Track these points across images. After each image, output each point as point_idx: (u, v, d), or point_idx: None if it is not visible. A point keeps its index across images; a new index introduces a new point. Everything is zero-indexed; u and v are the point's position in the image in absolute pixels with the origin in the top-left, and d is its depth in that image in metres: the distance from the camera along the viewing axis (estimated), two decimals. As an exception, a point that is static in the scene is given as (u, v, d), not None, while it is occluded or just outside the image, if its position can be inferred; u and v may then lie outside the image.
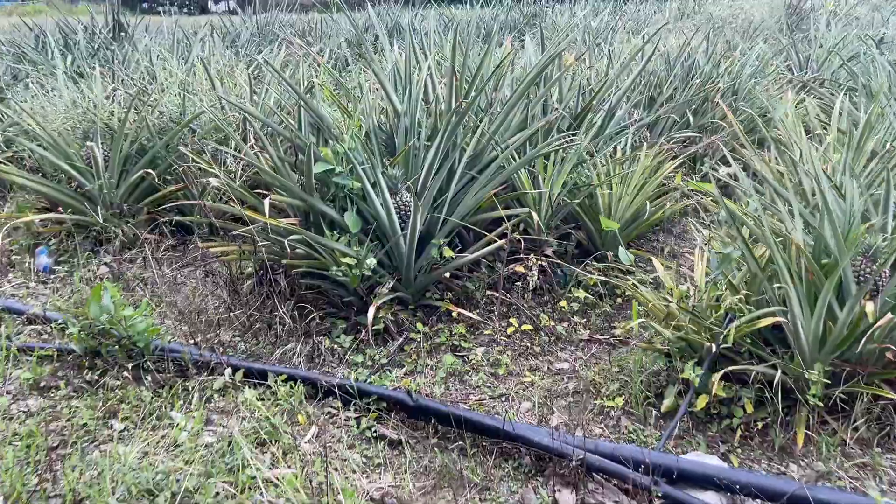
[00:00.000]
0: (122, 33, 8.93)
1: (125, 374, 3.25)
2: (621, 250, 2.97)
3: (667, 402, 2.93)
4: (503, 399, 3.20)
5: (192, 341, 3.52)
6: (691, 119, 5.47)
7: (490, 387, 3.28)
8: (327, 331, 3.68)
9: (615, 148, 4.76)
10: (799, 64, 8.39)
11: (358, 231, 3.65)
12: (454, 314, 3.69)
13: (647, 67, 5.53)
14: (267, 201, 3.41)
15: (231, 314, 3.80)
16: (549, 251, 4.24)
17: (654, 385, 3.09)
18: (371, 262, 3.49)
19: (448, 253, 3.77)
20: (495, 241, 3.80)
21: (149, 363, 3.30)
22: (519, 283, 4.02)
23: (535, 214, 3.72)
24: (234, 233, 3.91)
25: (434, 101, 4.21)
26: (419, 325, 3.65)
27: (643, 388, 3.05)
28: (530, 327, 3.65)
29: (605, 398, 3.12)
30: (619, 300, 4.16)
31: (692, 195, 4.47)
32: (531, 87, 4.07)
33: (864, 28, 11.19)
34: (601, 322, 3.93)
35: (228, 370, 3.22)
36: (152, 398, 3.11)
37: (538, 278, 4.07)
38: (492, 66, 4.45)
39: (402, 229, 3.65)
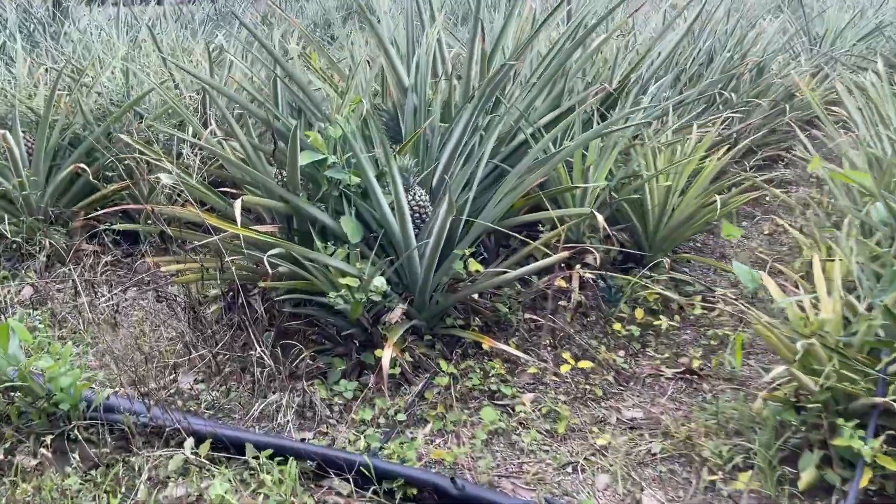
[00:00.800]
0: (61, 14, 7.85)
1: (44, 449, 2.32)
2: (740, 267, 2.14)
3: (806, 477, 2.12)
4: (571, 470, 2.35)
5: (139, 393, 2.60)
6: (733, 97, 4.68)
7: (549, 451, 2.44)
8: (320, 373, 2.79)
9: (655, 131, 3.94)
10: (810, 41, 7.72)
11: (359, 241, 2.77)
12: (485, 346, 2.84)
13: (671, 42, 4.72)
14: (238, 204, 2.50)
15: (192, 352, 2.89)
16: (589, 259, 3.41)
17: (777, 447, 2.28)
18: (380, 283, 2.61)
19: (475, 266, 2.90)
20: (535, 251, 2.95)
21: (78, 431, 2.38)
22: (561, 302, 3.17)
23: (599, 217, 2.87)
24: (192, 245, 3.00)
25: (444, 76, 3.33)
26: (442, 363, 2.78)
27: (765, 452, 2.23)
28: (590, 364, 2.80)
29: (713, 468, 2.29)
30: (677, 317, 3.35)
31: (762, 186, 3.66)
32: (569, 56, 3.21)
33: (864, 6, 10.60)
34: (663, 348, 3.12)
35: (190, 440, 2.32)
36: (80, 488, 2.19)
37: (579, 293, 3.24)
38: (514, 30, 3.58)
39: (417, 238, 2.78)
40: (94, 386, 2.65)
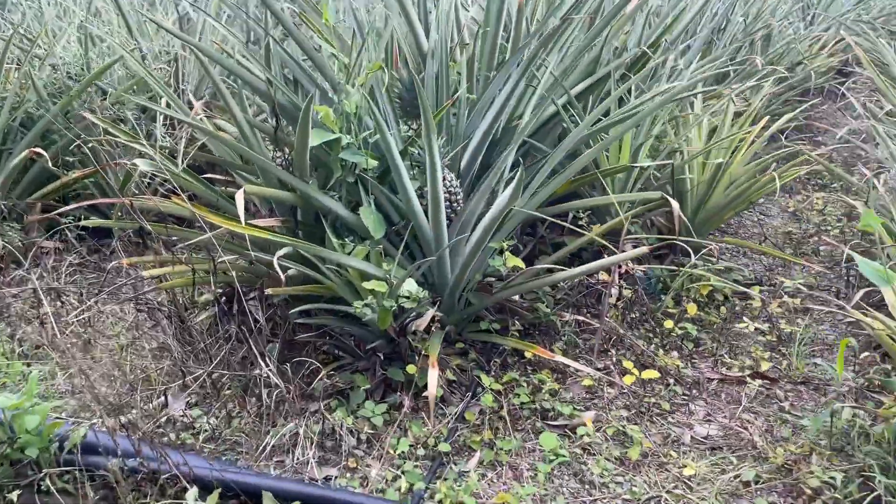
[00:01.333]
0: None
1: (9, 506, 1.86)
2: (866, 263, 1.77)
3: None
4: (654, 508, 1.98)
5: (121, 426, 2.15)
6: (759, 62, 4.30)
7: (624, 484, 2.05)
8: (338, 393, 2.36)
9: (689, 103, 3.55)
10: (804, 6, 7.44)
11: (382, 237, 2.33)
12: (528, 355, 2.44)
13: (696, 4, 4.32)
14: (240, 197, 2.03)
15: (182, 371, 2.43)
16: (628, 248, 3.03)
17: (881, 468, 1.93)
18: (413, 288, 2.19)
19: (513, 262, 2.49)
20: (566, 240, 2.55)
21: (50, 481, 1.92)
22: (610, 297, 2.78)
23: (673, 203, 2.48)
24: (178, 244, 2.53)
25: (461, 44, 2.87)
26: (483, 378, 2.37)
27: (886, 479, 1.87)
28: (655, 374, 2.42)
29: (815, 499, 1.93)
30: (723, 310, 3.00)
31: (814, 158, 3.30)
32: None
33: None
34: (717, 347, 2.75)
35: (193, 490, 1.87)
36: (58, 560, 1.75)
37: (626, 286, 2.86)
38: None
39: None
40: (67, 420, 2.18)
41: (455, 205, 2.44)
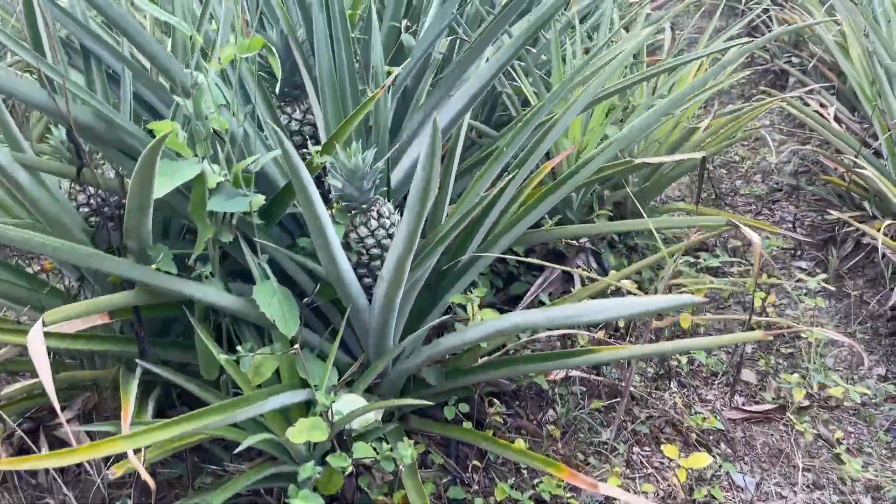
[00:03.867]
0: None
1: None
2: None
3: None
4: None
5: None
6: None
7: None
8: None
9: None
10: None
11: (296, 330, 1.41)
12: (540, 466, 1.66)
13: None
14: (37, 335, 1.02)
15: None
16: (584, 240, 2.32)
17: None
18: (364, 418, 1.31)
19: (486, 315, 1.68)
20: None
21: None
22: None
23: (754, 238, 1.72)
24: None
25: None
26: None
27: None
28: (706, 459, 1.73)
29: None
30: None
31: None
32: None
33: None
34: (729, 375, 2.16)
35: None
36: None
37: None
38: None
39: (369, 294, 1.48)
40: None
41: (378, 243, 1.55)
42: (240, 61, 1.33)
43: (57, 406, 1.04)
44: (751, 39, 3.61)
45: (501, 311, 2.18)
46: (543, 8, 1.53)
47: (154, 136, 1.24)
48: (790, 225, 3.05)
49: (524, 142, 1.60)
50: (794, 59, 4.14)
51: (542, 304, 2.13)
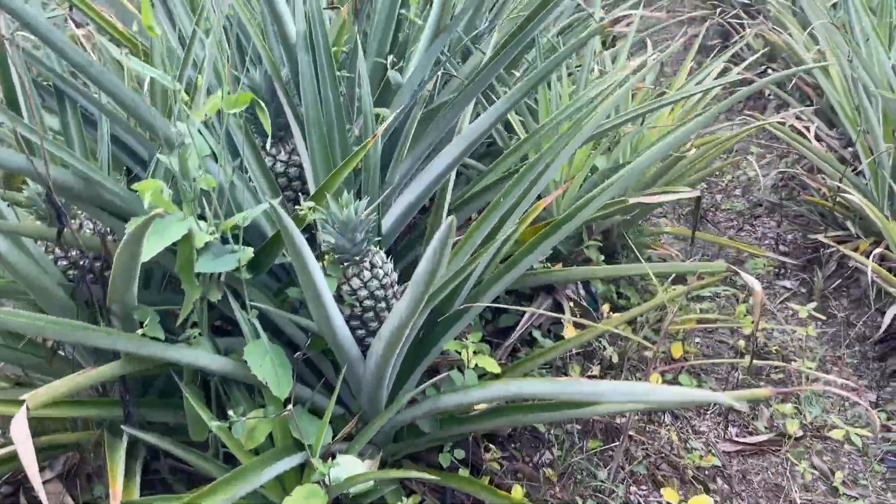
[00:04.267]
0: None
1: None
2: None
3: None
4: None
5: None
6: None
7: None
8: None
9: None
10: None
11: (288, 391, 1.36)
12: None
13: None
14: (21, 423, 0.96)
15: None
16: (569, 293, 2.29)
17: None
18: (362, 485, 1.27)
19: (485, 364, 1.64)
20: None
21: None
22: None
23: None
24: None
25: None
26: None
27: None
28: (708, 501, 1.72)
29: None
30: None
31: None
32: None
33: None
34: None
35: None
36: None
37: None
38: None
39: (362, 345, 1.44)
40: None
41: (392, 299, 1.51)
42: (227, 116, 1.27)
43: (43, 498, 0.97)
44: (734, 60, 3.62)
45: (490, 344, 2.16)
46: (542, 68, 1.50)
47: (138, 196, 1.19)
48: (773, 241, 3.06)
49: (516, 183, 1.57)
50: (770, 72, 4.17)
51: (532, 338, 2.10)
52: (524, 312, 2.20)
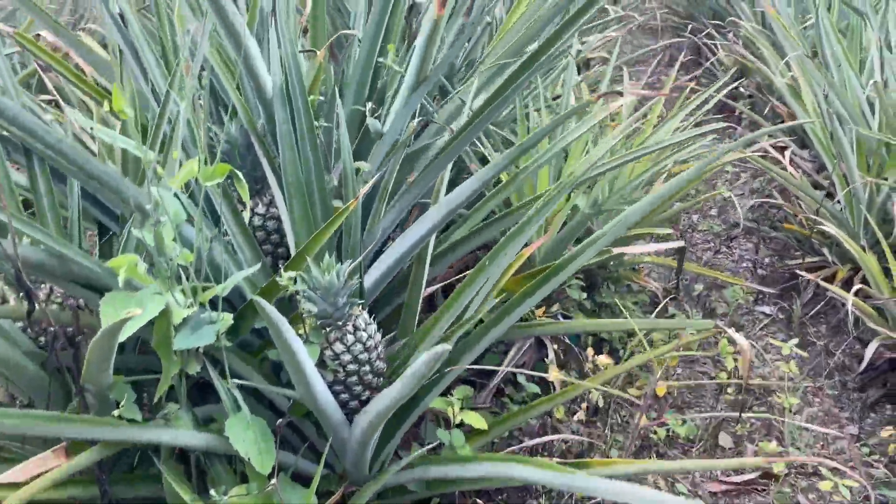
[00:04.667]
0: None
1: None
2: None
3: None
4: None
5: None
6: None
7: None
8: None
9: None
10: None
11: (271, 468, 1.32)
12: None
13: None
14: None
15: None
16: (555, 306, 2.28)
17: None
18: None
19: (472, 421, 1.61)
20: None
21: None
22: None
23: None
24: None
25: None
26: None
27: None
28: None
29: None
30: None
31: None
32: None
33: None
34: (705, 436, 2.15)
35: None
36: None
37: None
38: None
39: (346, 409, 1.41)
40: None
41: (377, 362, 1.48)
42: (203, 186, 1.23)
43: None
44: (707, 77, 3.64)
45: (473, 385, 2.14)
46: (528, 141, 1.48)
47: (112, 270, 1.14)
48: (750, 264, 3.07)
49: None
50: (742, 90, 4.20)
51: (516, 379, 2.08)
52: (507, 351, 2.19)
